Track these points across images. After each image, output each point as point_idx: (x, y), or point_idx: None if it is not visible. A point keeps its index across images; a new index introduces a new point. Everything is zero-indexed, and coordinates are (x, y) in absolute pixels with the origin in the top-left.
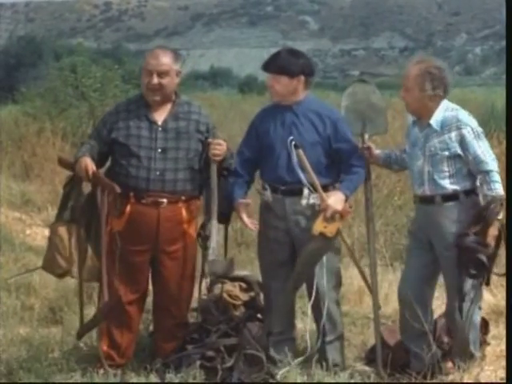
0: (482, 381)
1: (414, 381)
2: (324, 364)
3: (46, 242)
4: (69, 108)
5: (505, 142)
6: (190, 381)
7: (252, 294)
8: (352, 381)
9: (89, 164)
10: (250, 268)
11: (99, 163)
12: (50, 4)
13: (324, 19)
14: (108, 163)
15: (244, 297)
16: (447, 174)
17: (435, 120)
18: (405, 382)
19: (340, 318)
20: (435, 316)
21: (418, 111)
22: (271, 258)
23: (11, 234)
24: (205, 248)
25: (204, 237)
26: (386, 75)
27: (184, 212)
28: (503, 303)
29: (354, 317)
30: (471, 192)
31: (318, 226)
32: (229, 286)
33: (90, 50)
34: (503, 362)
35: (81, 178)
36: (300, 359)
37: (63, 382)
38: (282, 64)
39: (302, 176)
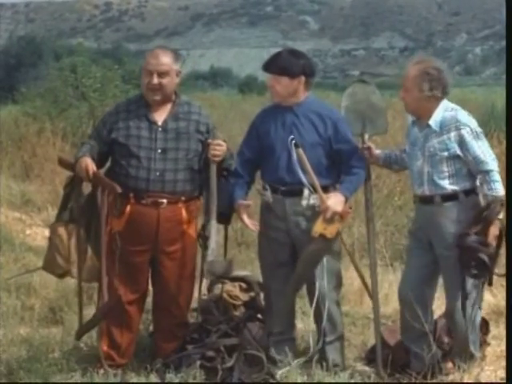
0: (482, 381)
1: (414, 381)
2: (324, 364)
3: (47, 242)
4: (69, 108)
5: (505, 141)
6: (190, 381)
7: (252, 294)
8: (352, 381)
9: (89, 164)
10: (250, 268)
11: (99, 163)
12: (50, 4)
13: (324, 19)
14: (108, 163)
15: (244, 297)
16: (446, 174)
17: (434, 120)
18: (405, 382)
19: (340, 318)
20: (435, 316)
21: (416, 111)
22: (271, 259)
23: (11, 234)
24: (205, 248)
25: (204, 237)
26: (386, 75)
27: (184, 212)
28: (503, 303)
29: (354, 317)
30: (471, 192)
31: (318, 228)
32: (229, 286)
33: (90, 50)
34: (503, 362)
35: (81, 178)
36: (302, 360)
37: (63, 382)
38: (283, 64)
39: (302, 177)
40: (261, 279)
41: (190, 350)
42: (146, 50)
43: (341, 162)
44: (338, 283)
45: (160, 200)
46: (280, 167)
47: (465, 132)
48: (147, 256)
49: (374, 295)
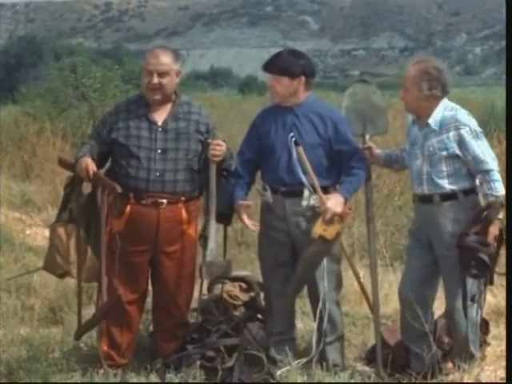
0: (482, 381)
1: (414, 381)
2: (324, 364)
3: (47, 242)
4: (69, 108)
5: (505, 141)
6: (190, 381)
7: (252, 294)
8: (352, 381)
9: (89, 164)
10: (250, 268)
11: (99, 163)
12: (50, 4)
13: (324, 19)
14: (108, 163)
15: (244, 297)
16: (445, 173)
17: (434, 119)
18: (405, 382)
19: (340, 318)
20: (436, 316)
21: (416, 111)
22: (272, 259)
23: (11, 234)
24: (205, 248)
25: (205, 238)
26: (386, 75)
27: (184, 212)
28: (503, 303)
29: (354, 317)
30: (470, 192)
31: (318, 229)
32: (229, 286)
33: (90, 50)
34: (503, 362)
35: (81, 179)
36: (303, 360)
37: (63, 381)
38: (283, 65)
39: (302, 177)
40: (261, 279)
41: (190, 349)
42: (146, 50)
43: (341, 163)
44: (338, 284)
45: (160, 200)
46: (280, 168)
47: (464, 132)
48: (147, 256)
49: (374, 295)
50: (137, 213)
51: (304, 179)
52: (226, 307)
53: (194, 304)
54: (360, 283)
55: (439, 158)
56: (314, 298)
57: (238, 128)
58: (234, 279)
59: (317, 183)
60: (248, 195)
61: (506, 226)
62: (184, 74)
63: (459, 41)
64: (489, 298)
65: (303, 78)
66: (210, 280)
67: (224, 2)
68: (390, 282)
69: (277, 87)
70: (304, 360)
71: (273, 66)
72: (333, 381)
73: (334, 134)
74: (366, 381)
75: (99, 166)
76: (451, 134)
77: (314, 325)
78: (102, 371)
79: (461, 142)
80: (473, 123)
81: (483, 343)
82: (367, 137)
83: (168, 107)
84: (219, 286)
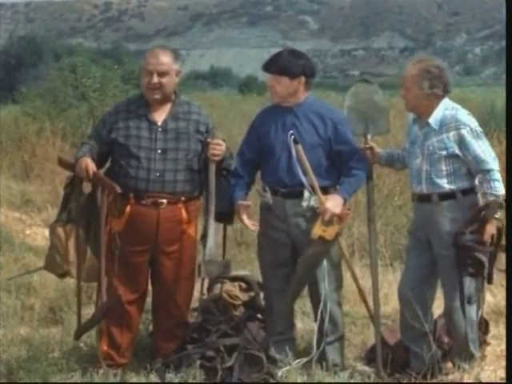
0: (482, 381)
1: (413, 381)
2: (324, 364)
3: (47, 242)
4: (68, 108)
5: (505, 141)
6: (190, 381)
7: (252, 293)
8: (352, 381)
9: (89, 164)
10: (249, 268)
11: (99, 163)
12: (50, 4)
13: (324, 19)
14: (108, 163)
15: (244, 297)
16: (444, 173)
17: (434, 118)
18: (405, 382)
19: (341, 319)
20: (435, 316)
21: (416, 109)
22: (271, 259)
23: (11, 234)
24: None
25: (206, 237)
26: (385, 75)
27: (184, 212)
28: (503, 303)
29: (354, 317)
30: (469, 191)
31: (317, 230)
32: (228, 286)
33: (90, 50)
34: (503, 362)
35: (81, 179)
36: (303, 360)
37: (63, 382)
38: (283, 65)
39: (301, 176)
40: (260, 279)
41: (190, 349)
42: (146, 50)
43: (341, 163)
44: (339, 284)
45: (160, 200)
46: (280, 168)
47: (465, 132)
48: (147, 256)
49: (374, 295)
50: (137, 213)
51: (303, 179)
52: (226, 307)
53: (194, 304)
54: (358, 286)
55: (439, 157)
56: (315, 298)
57: (237, 128)
58: (234, 279)
59: (316, 183)
60: (248, 195)
61: (506, 225)
62: (184, 74)
63: (459, 41)
64: (488, 297)
65: (303, 78)
66: (208, 279)
67: (224, 2)
68: (390, 282)
69: (277, 87)
70: (304, 360)
71: (273, 65)
72: (333, 381)
73: (333, 134)
74: (366, 381)
75: (99, 166)
76: (451, 133)
77: (315, 325)
78: (101, 371)
79: (461, 142)
80: (473, 123)
81: (483, 343)
82: (369, 136)
83: (168, 107)
84: (219, 285)
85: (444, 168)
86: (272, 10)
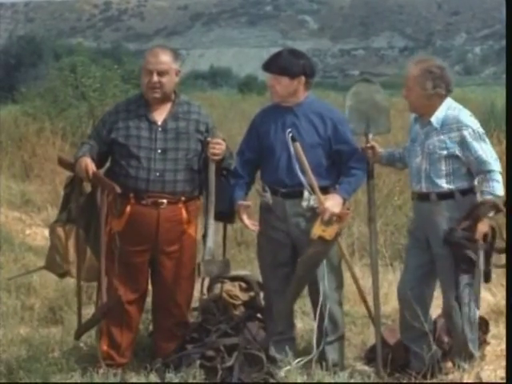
0: (482, 380)
1: (413, 380)
2: (324, 364)
3: (47, 242)
4: (68, 108)
5: (505, 141)
6: (190, 381)
7: (252, 293)
8: (352, 380)
9: (89, 164)
10: (249, 268)
11: (99, 163)
12: (50, 4)
13: (324, 19)
14: (108, 163)
15: (244, 296)
16: (444, 172)
17: (436, 118)
18: (405, 381)
19: (342, 318)
20: (435, 316)
21: (420, 109)
22: (271, 259)
23: (11, 234)
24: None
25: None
26: (385, 75)
27: (184, 212)
28: (503, 303)
29: (354, 316)
30: (468, 191)
31: (317, 230)
32: (228, 286)
33: (90, 49)
34: (503, 362)
35: (81, 179)
36: (304, 360)
37: (63, 381)
38: (283, 64)
39: (300, 175)
40: (260, 279)
41: (190, 349)
42: (146, 50)
43: (340, 163)
44: (340, 283)
45: (160, 200)
46: (280, 168)
47: (467, 133)
48: (147, 256)
49: (375, 294)
50: (137, 213)
51: (302, 178)
52: (226, 307)
53: (195, 304)
54: (358, 286)
55: (439, 156)
56: (315, 298)
57: (237, 127)
58: (234, 279)
59: (315, 183)
60: (248, 195)
61: (506, 225)
62: (183, 74)
63: (459, 40)
64: (488, 297)
65: (303, 78)
66: (207, 278)
67: (223, 2)
68: (390, 282)
69: (276, 87)
70: (304, 359)
71: (273, 65)
72: (332, 380)
73: (333, 134)
74: (366, 380)
75: (99, 165)
76: (453, 134)
77: (315, 324)
78: (101, 371)
79: (463, 144)
80: (475, 124)
81: (483, 342)
82: (370, 136)
83: (168, 107)
84: (219, 285)
85: (443, 168)
86: (272, 9)
